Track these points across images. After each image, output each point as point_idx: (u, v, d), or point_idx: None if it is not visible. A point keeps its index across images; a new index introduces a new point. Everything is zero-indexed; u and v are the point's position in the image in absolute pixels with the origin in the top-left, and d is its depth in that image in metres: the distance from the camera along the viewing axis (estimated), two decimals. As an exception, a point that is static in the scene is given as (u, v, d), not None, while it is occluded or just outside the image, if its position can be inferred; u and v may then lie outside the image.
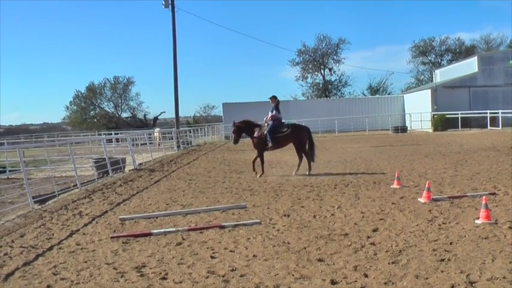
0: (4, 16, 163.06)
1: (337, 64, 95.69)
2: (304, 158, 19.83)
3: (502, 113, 46.52)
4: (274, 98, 20.48)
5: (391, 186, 15.23)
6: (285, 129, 20.06)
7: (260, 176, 19.39)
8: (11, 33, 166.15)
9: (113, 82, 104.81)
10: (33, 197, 14.83)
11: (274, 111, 20.07)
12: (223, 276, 7.51)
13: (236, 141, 21.37)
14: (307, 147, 20.04)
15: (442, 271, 7.22)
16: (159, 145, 39.21)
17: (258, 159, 20.19)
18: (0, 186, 18.20)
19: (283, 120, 20.88)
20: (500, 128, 45.26)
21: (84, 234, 10.94)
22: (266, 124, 20.14)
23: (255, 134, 20.36)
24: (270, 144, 19.97)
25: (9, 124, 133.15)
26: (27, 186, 14.56)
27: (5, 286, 7.57)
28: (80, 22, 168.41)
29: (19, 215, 13.31)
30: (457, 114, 49.18)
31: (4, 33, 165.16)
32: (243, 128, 21.06)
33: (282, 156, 27.78)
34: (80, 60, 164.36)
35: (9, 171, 24.14)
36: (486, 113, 48.79)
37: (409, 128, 54.54)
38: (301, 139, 20.05)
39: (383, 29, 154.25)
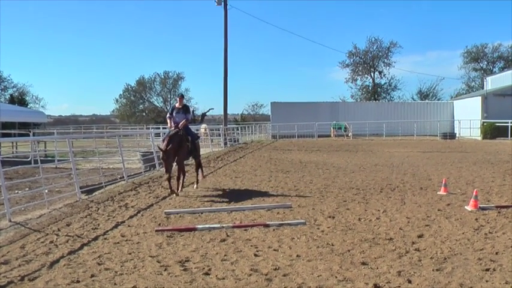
0: (59, 9, 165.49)
1: (388, 67, 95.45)
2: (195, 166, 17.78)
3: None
4: (182, 96, 17.55)
5: (438, 193, 15.08)
6: (195, 135, 17.78)
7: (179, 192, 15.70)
8: (63, 25, 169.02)
9: (163, 77, 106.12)
10: (81, 187, 15.11)
11: (187, 115, 16.71)
12: (266, 274, 7.54)
13: (169, 170, 15.47)
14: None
15: (487, 281, 7.14)
16: (211, 141, 39.04)
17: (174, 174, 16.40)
18: (48, 175, 18.45)
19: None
20: (551, 138, 44.41)
21: (129, 226, 11.12)
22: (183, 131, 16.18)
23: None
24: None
25: (59, 114, 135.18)
26: (75, 176, 14.79)
27: (49, 273, 7.70)
28: (134, 16, 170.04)
29: (66, 204, 13.57)
30: (507, 123, 48.28)
31: (57, 25, 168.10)
32: (178, 143, 15.73)
33: (329, 157, 27.74)
34: (131, 54, 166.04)
35: (58, 160, 24.51)
36: (537, 122, 47.91)
37: (457, 135, 53.73)
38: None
39: (434, 34, 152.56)
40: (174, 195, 15.20)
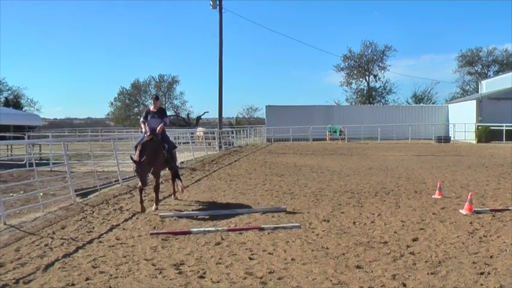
0: (54, 12, 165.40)
1: (382, 71, 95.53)
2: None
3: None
4: (157, 98, 15.48)
5: (433, 196, 15.09)
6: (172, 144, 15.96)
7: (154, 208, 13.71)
8: (58, 29, 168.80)
9: (158, 80, 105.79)
10: (75, 190, 15.06)
11: (164, 119, 14.97)
12: (261, 278, 7.54)
13: (146, 183, 13.59)
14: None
15: (482, 284, 7.14)
16: (209, 144, 38.91)
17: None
18: (43, 178, 18.43)
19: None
20: (546, 142, 44.38)
21: (124, 229, 11.11)
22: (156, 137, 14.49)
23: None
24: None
25: (54, 117, 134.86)
26: (70, 179, 14.77)
27: (44, 276, 7.70)
28: (129, 19, 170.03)
29: (61, 207, 13.56)
30: (502, 126, 48.23)
31: (52, 29, 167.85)
32: (152, 152, 13.74)
33: (324, 161, 27.70)
34: (126, 57, 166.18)
35: (53, 163, 24.46)
36: (532, 126, 47.90)
37: (452, 139, 53.68)
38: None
39: (429, 38, 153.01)
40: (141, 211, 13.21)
